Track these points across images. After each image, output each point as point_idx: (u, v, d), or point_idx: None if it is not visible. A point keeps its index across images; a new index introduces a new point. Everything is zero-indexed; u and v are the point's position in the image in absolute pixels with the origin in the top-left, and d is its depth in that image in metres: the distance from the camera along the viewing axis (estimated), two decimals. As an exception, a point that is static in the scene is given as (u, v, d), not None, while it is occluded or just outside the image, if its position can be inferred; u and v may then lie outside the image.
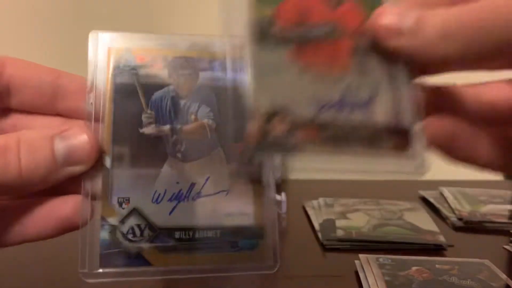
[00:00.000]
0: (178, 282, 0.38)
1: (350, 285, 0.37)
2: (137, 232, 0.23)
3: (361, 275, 0.37)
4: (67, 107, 0.24)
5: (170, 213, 0.24)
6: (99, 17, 0.70)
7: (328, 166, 0.21)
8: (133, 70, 0.24)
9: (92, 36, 0.24)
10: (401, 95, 0.22)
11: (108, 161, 0.23)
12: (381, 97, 0.22)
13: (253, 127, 0.20)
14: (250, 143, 0.20)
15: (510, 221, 0.51)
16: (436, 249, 0.44)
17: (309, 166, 0.21)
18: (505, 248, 0.45)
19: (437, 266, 0.38)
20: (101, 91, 0.24)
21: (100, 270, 0.23)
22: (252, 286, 0.35)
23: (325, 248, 0.43)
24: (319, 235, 0.46)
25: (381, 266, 0.38)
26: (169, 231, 0.24)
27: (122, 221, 0.23)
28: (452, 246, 0.44)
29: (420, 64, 0.21)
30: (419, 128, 0.22)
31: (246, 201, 0.24)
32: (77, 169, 0.22)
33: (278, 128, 0.20)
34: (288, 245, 0.46)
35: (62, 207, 0.23)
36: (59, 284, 0.36)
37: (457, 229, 0.50)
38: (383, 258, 0.39)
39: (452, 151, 0.22)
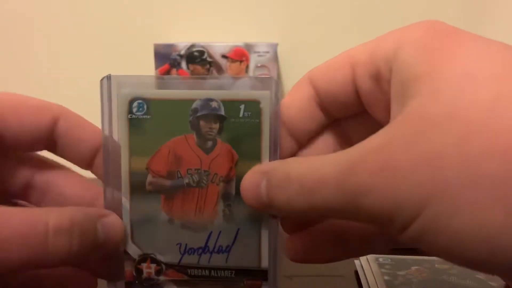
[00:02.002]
0: None
1: (350, 285, 0.37)
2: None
3: (361, 274, 0.37)
4: (99, 167, 0.26)
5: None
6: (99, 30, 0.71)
7: None
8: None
9: (103, 83, 0.24)
10: (261, 239, 0.25)
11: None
12: (242, 242, 0.25)
13: (128, 267, 0.25)
14: (126, 280, 0.25)
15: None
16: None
17: None
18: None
19: (436, 265, 0.38)
20: (113, 148, 0.24)
21: None
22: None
23: (325, 248, 0.43)
24: (319, 235, 0.46)
25: (380, 265, 0.38)
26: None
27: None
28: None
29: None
30: (275, 268, 0.25)
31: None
32: (108, 250, 0.24)
33: (148, 269, 0.25)
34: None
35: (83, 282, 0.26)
36: None
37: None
38: (383, 257, 0.39)
39: (316, 259, 0.25)
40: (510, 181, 0.16)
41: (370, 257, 0.39)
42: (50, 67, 0.71)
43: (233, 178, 0.25)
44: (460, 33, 0.19)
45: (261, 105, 0.24)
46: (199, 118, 0.24)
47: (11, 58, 0.71)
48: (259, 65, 0.66)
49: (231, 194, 0.25)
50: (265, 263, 0.25)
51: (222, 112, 0.24)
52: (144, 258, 0.25)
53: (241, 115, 0.24)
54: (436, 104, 0.17)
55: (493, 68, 0.18)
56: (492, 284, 0.36)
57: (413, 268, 0.38)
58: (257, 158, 0.24)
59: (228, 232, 0.25)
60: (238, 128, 0.24)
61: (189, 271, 0.25)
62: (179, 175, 0.25)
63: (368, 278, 0.36)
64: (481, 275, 0.37)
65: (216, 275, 0.25)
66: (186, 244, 0.25)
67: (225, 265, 0.25)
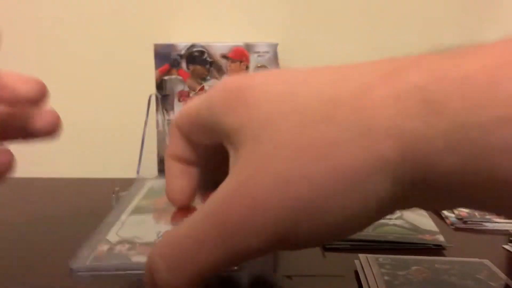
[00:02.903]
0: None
1: (350, 285, 0.37)
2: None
3: (361, 274, 0.37)
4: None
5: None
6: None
7: None
8: None
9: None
10: None
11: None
12: None
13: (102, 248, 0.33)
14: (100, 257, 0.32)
15: (510, 220, 0.51)
16: (436, 249, 0.44)
17: None
18: (504, 248, 0.45)
19: (436, 265, 0.38)
20: None
21: (89, 263, 0.29)
22: (251, 285, 0.35)
23: (325, 248, 0.43)
24: (319, 235, 0.46)
25: (381, 265, 0.38)
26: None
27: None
28: (451, 246, 0.44)
29: None
30: None
31: None
32: None
33: (122, 248, 0.32)
34: (288, 245, 0.46)
35: None
36: (48, 277, 0.36)
37: (456, 228, 0.50)
38: (383, 257, 0.39)
39: None
40: None
41: (370, 257, 0.39)
42: (50, 67, 0.71)
43: None
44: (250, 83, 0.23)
45: None
46: None
47: (13, 58, 0.71)
48: (259, 65, 0.66)
49: None
50: None
51: None
52: (121, 242, 0.31)
53: None
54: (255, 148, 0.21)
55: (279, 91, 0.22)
56: (492, 284, 0.36)
57: (413, 268, 0.38)
58: None
59: None
60: None
61: None
62: None
63: (368, 278, 0.36)
64: (481, 275, 0.37)
65: None
66: (165, 231, 0.29)
67: None
